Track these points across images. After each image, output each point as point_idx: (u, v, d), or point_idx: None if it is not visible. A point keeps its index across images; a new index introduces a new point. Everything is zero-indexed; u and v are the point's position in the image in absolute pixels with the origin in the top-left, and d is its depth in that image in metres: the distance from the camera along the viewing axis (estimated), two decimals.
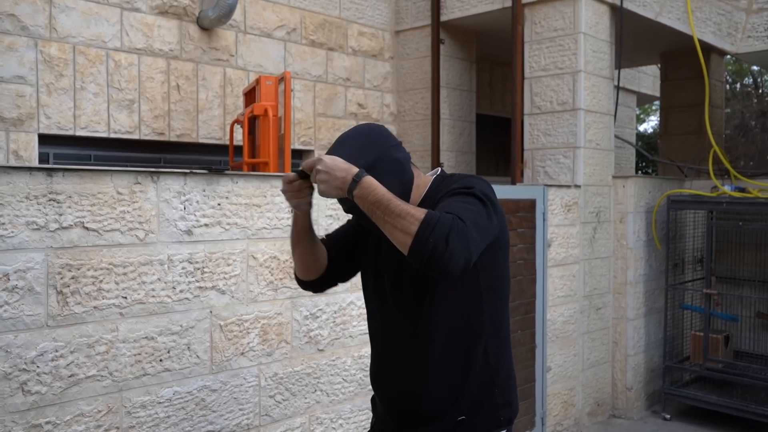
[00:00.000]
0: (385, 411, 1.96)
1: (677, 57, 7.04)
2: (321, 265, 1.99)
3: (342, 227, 2.10)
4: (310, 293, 3.29)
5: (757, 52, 6.30)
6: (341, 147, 1.78)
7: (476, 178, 1.80)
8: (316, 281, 2.02)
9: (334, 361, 3.46)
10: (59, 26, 4.29)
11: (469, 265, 1.55)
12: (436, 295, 1.77)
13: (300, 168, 1.74)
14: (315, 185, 1.71)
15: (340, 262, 2.02)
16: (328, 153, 1.77)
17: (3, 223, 2.40)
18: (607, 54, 5.44)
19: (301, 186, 1.76)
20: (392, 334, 1.89)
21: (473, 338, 1.82)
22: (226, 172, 3.02)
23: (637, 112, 13.78)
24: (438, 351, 1.81)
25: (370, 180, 1.61)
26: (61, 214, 2.54)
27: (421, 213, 1.54)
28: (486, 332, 1.83)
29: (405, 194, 1.80)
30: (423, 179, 1.88)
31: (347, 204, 1.75)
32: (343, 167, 1.63)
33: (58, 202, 2.53)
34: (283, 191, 1.78)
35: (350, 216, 1.97)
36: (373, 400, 2.06)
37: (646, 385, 5.62)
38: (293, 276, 2.09)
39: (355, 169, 1.62)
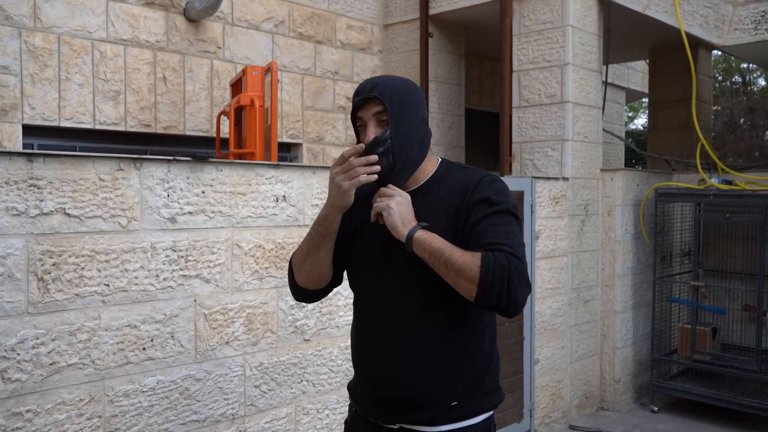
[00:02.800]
0: (370, 396, 1.89)
1: (665, 52, 7.07)
2: (330, 271, 1.92)
3: None
4: None
5: (744, 44, 6.32)
6: (397, 89, 1.79)
7: (495, 180, 1.79)
8: (323, 289, 1.96)
9: (320, 351, 3.45)
10: (44, 16, 4.25)
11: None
12: (443, 284, 1.70)
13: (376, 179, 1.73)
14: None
15: (343, 261, 1.94)
16: (371, 80, 1.79)
17: None
18: (595, 47, 5.45)
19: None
20: (390, 319, 1.82)
21: (474, 326, 1.81)
22: (210, 159, 3.00)
23: (626, 109, 13.84)
24: (438, 338, 1.77)
25: (426, 232, 1.68)
26: (41, 200, 2.51)
27: (476, 264, 1.58)
28: (485, 320, 1.84)
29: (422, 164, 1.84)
30: (432, 159, 1.88)
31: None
32: (412, 211, 1.73)
33: (38, 188, 2.50)
34: (345, 166, 1.72)
35: None
36: (350, 387, 1.99)
37: (634, 378, 5.64)
38: (290, 286, 1.97)
39: (416, 221, 1.72)
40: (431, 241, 1.65)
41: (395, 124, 1.74)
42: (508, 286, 1.56)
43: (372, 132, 1.75)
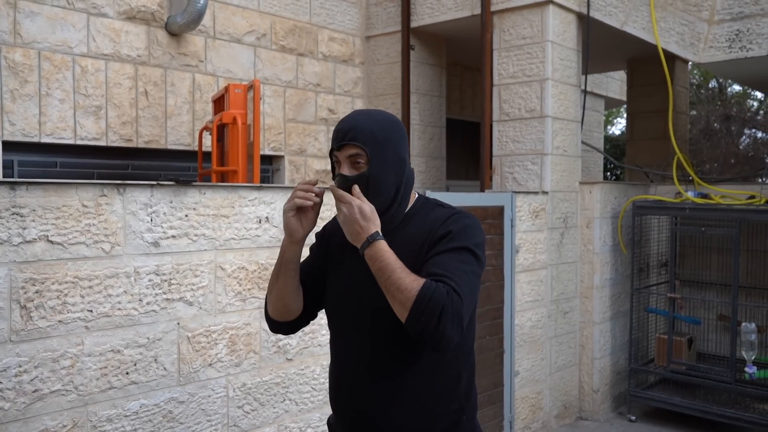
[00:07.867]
0: None
1: (643, 64, 7.17)
2: (299, 303, 1.93)
3: (309, 258, 2.02)
4: None
5: (719, 62, 6.44)
6: (372, 123, 1.77)
7: (465, 217, 1.77)
8: (292, 322, 1.96)
9: (303, 370, 3.48)
10: (24, 32, 4.23)
11: (460, 337, 1.61)
12: None
13: (332, 186, 1.75)
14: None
15: (316, 296, 1.96)
16: (349, 122, 1.77)
17: None
18: (575, 62, 5.53)
19: (315, 204, 1.79)
20: (362, 360, 1.81)
21: (448, 368, 1.79)
22: (194, 183, 3.02)
23: (605, 114, 13.96)
24: (411, 380, 1.76)
25: (382, 244, 1.66)
26: (24, 228, 2.51)
27: (416, 289, 1.57)
28: (460, 360, 1.82)
29: (401, 205, 1.82)
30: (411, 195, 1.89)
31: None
32: (370, 220, 1.68)
33: (21, 216, 2.50)
34: (296, 199, 1.77)
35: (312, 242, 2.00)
36: (329, 422, 1.99)
37: (612, 388, 5.73)
38: (264, 316, 2.00)
39: (375, 229, 1.68)
40: (384, 254, 1.64)
41: (372, 168, 1.74)
42: (438, 318, 1.54)
43: (346, 172, 1.76)
